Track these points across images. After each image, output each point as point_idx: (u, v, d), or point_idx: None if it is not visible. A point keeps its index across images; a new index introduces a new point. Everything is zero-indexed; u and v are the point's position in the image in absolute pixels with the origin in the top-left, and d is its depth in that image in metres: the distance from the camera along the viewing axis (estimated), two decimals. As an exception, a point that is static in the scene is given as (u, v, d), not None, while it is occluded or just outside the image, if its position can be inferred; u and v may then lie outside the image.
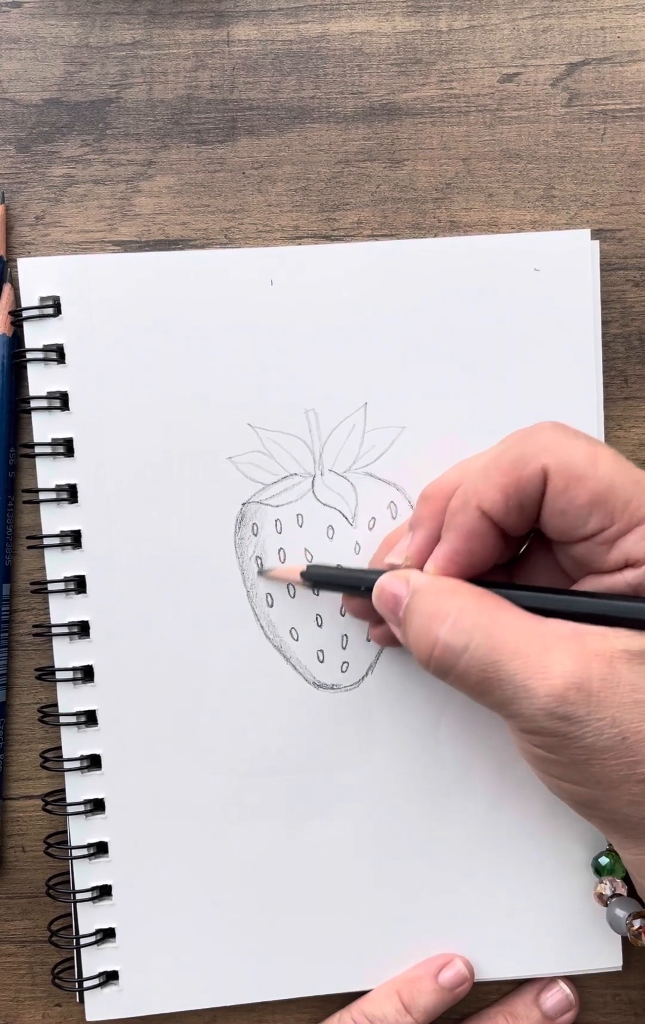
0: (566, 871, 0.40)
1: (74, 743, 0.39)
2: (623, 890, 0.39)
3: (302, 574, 0.38)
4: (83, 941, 0.39)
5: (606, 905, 0.39)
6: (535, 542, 0.36)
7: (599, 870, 0.39)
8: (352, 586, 0.37)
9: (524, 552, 0.36)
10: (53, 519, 0.39)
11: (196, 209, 0.40)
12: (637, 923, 0.37)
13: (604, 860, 0.39)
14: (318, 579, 0.38)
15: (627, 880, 0.39)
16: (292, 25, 0.40)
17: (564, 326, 0.39)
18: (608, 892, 0.39)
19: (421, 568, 0.35)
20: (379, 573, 0.35)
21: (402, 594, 0.34)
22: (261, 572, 0.39)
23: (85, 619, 0.39)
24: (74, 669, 0.39)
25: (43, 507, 0.39)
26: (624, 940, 0.40)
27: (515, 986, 0.41)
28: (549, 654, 0.30)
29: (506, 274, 0.39)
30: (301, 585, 0.38)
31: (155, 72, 0.40)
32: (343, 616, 0.39)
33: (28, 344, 0.39)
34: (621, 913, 0.38)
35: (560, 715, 0.30)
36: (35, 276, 0.39)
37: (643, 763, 0.30)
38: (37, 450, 0.39)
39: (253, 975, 0.40)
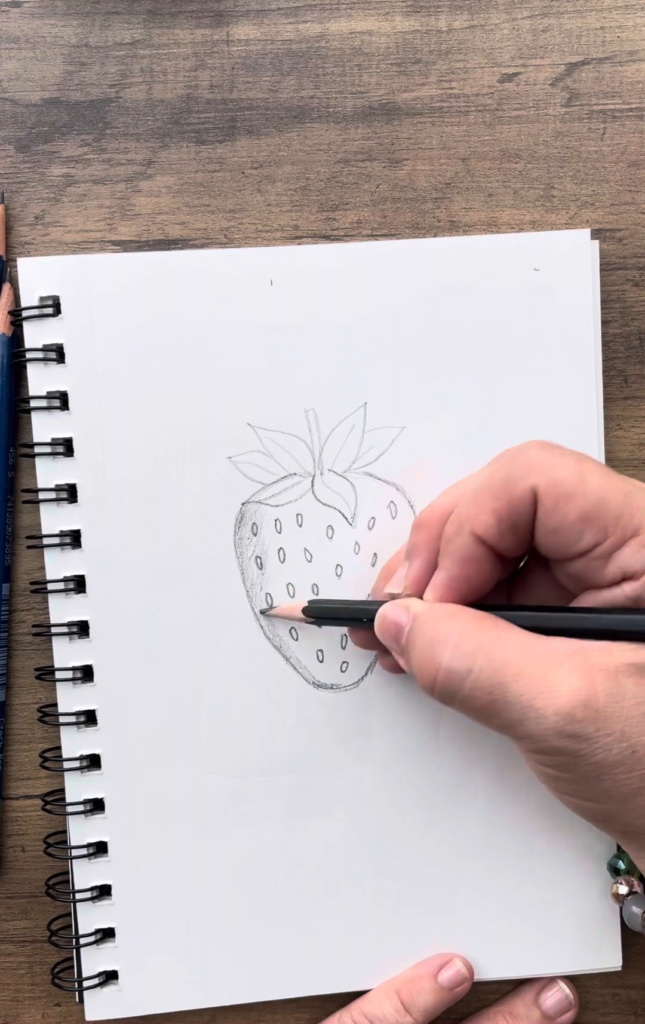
0: (566, 871, 0.40)
1: (74, 743, 0.39)
2: (639, 888, 0.39)
3: (304, 610, 0.38)
4: (83, 941, 0.39)
5: (622, 904, 0.39)
6: (532, 560, 0.35)
7: (617, 871, 0.39)
8: (354, 618, 0.37)
9: (522, 570, 0.36)
10: (53, 519, 0.39)
11: (196, 209, 0.40)
12: None
13: (621, 863, 0.39)
14: (320, 614, 0.38)
15: (643, 879, 0.39)
16: (292, 25, 0.40)
17: (564, 326, 0.39)
18: (624, 891, 0.39)
19: (421, 596, 0.35)
20: (380, 604, 0.35)
21: (403, 622, 0.34)
22: (264, 611, 0.39)
23: (85, 619, 0.39)
24: (74, 669, 0.39)
25: (43, 507, 0.39)
26: (624, 940, 0.40)
27: (514, 986, 0.41)
28: (554, 673, 0.30)
29: (506, 274, 0.39)
30: (304, 622, 0.38)
31: (155, 72, 0.40)
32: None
33: (28, 344, 0.39)
34: (637, 910, 0.38)
35: (569, 733, 0.30)
36: (35, 276, 0.38)
37: None
38: (37, 450, 0.39)
39: (252, 975, 0.40)
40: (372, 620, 0.35)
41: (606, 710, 0.30)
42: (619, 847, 0.40)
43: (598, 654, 0.31)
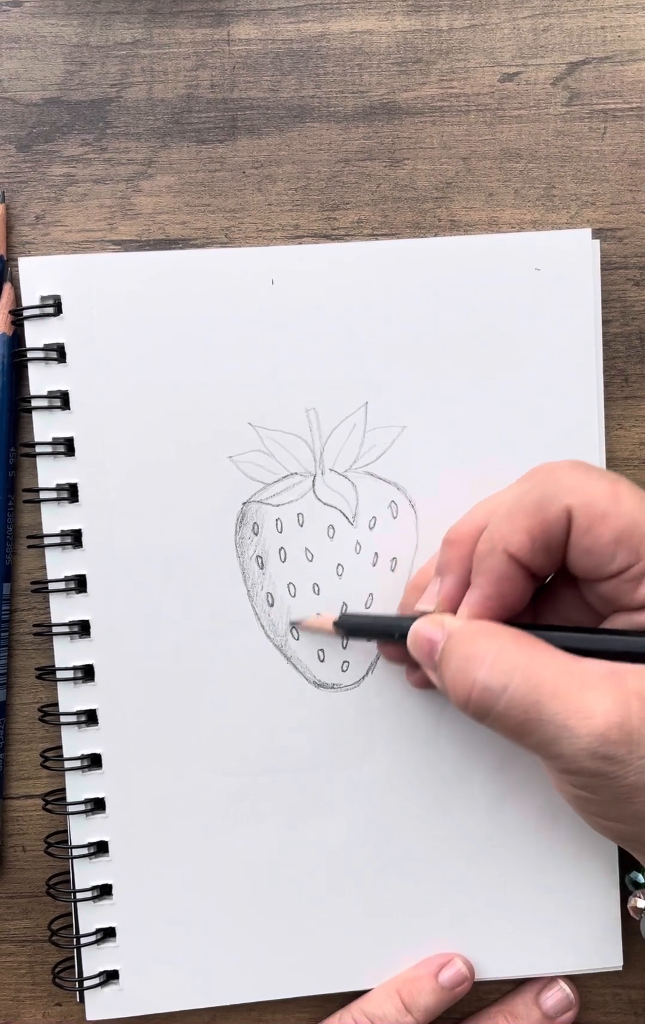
0: (567, 870, 0.40)
1: (74, 742, 0.39)
2: None
3: (335, 624, 0.38)
4: (83, 940, 0.39)
5: (640, 917, 0.39)
6: (560, 577, 0.35)
7: (637, 885, 0.40)
8: (386, 633, 0.37)
9: (550, 588, 0.36)
10: (53, 518, 0.39)
11: (196, 208, 0.40)
12: None
13: (640, 878, 0.40)
14: (351, 628, 0.38)
15: None
16: (292, 24, 0.40)
17: (564, 325, 0.39)
18: (643, 904, 0.39)
19: (453, 613, 0.35)
20: (412, 619, 0.35)
21: (437, 638, 0.34)
22: (294, 625, 0.39)
23: (85, 618, 0.39)
24: (74, 668, 0.39)
25: (44, 506, 0.39)
26: (625, 940, 0.40)
27: (515, 986, 0.41)
28: (589, 694, 0.30)
29: (506, 274, 0.39)
30: (334, 635, 0.38)
31: (155, 71, 0.40)
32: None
33: (29, 343, 0.39)
34: None
35: (602, 755, 0.30)
36: (36, 275, 0.38)
37: None
38: (38, 449, 0.39)
39: (253, 975, 0.40)
40: (404, 636, 0.35)
41: (639, 733, 0.30)
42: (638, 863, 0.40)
43: (634, 678, 0.31)
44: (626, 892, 0.40)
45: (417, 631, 0.35)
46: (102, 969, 0.39)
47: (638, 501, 0.32)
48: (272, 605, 0.39)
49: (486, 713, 0.32)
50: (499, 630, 0.33)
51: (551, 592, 0.36)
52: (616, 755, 0.30)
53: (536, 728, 0.31)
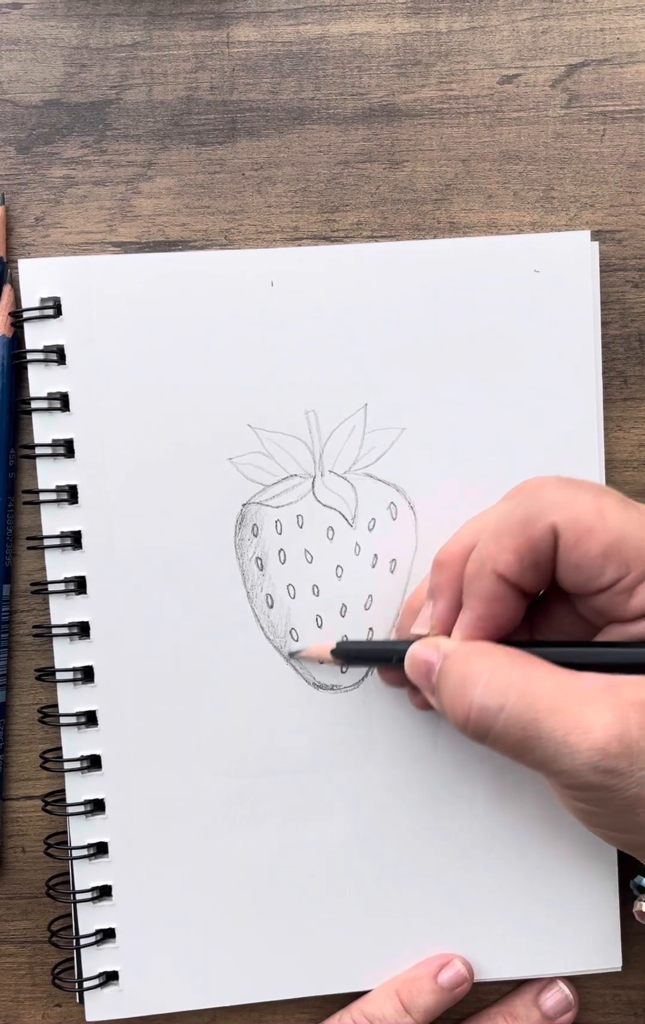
0: (566, 871, 0.40)
1: (74, 743, 0.39)
2: None
3: (332, 652, 0.38)
4: (83, 941, 0.39)
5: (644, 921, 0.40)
6: (553, 592, 0.35)
7: (642, 889, 0.40)
8: (384, 658, 0.37)
9: (544, 603, 0.36)
10: (53, 520, 0.39)
11: (196, 210, 0.40)
12: None
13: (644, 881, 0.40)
14: (349, 655, 0.38)
15: None
16: (292, 26, 0.40)
17: (564, 327, 0.39)
18: None
19: (448, 635, 0.35)
20: (408, 644, 0.35)
21: (433, 661, 0.34)
22: (292, 654, 0.39)
23: (85, 620, 0.39)
24: (74, 670, 0.39)
25: (43, 508, 0.39)
26: (624, 940, 0.40)
27: (514, 986, 0.41)
28: (587, 708, 0.30)
29: (506, 275, 0.39)
30: (332, 663, 0.39)
31: (155, 73, 0.40)
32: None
33: (28, 345, 0.39)
34: None
35: (603, 769, 0.30)
36: (36, 277, 0.39)
37: None
38: (37, 451, 0.39)
39: (253, 975, 0.40)
40: (402, 660, 0.35)
41: (639, 744, 0.30)
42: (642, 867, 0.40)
43: (630, 689, 0.31)
44: (629, 896, 0.40)
45: (413, 655, 0.35)
46: (102, 970, 0.40)
47: (623, 514, 0.32)
48: (272, 607, 0.39)
49: (485, 733, 0.32)
50: (493, 649, 0.33)
51: (545, 607, 0.36)
52: (617, 768, 0.30)
53: (536, 745, 0.31)
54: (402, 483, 0.39)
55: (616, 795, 0.30)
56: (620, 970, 0.40)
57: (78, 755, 0.39)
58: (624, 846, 0.34)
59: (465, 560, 0.34)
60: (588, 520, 0.32)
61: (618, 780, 0.30)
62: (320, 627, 0.39)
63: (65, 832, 0.40)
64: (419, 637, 0.35)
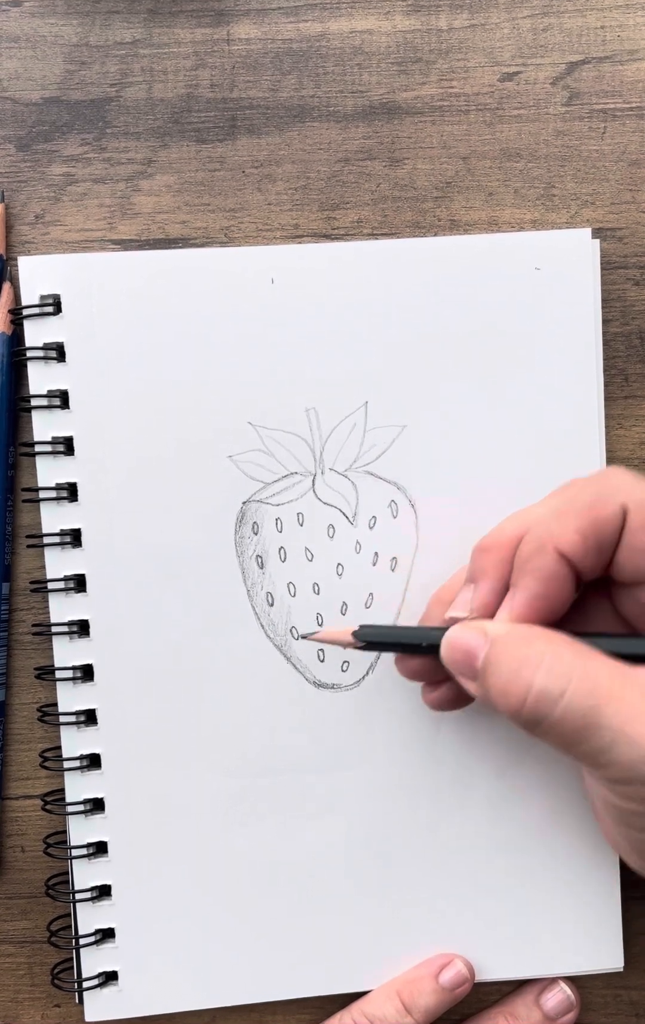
0: (567, 871, 0.40)
1: (74, 742, 0.39)
2: None
3: (354, 634, 0.35)
4: (82, 941, 0.39)
5: None
6: (590, 590, 0.35)
7: None
8: (411, 644, 0.35)
9: (581, 603, 0.35)
10: (53, 518, 0.39)
11: (196, 208, 0.40)
12: None
13: None
14: (372, 639, 0.35)
15: None
16: (292, 24, 0.40)
17: (564, 325, 0.39)
18: None
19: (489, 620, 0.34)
20: (441, 629, 0.34)
21: (478, 645, 0.32)
22: (304, 636, 0.38)
23: (85, 618, 0.39)
24: (74, 668, 0.39)
25: (43, 506, 0.39)
26: (626, 941, 0.40)
27: (516, 987, 0.41)
28: None
29: (506, 273, 0.39)
30: (351, 647, 0.36)
31: (155, 71, 0.40)
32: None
33: (28, 342, 0.39)
34: None
35: None
36: (35, 274, 0.38)
37: None
38: (37, 448, 0.39)
39: (253, 975, 0.40)
40: (433, 646, 0.34)
41: None
42: None
43: None
44: (630, 896, 0.40)
45: (453, 639, 0.33)
46: (101, 970, 0.39)
47: None
48: (272, 605, 0.39)
49: (541, 720, 0.31)
50: (551, 633, 0.32)
51: (582, 605, 0.35)
52: None
53: (592, 734, 0.30)
54: (403, 481, 0.39)
55: None
56: (622, 970, 0.40)
57: (77, 754, 0.39)
58: None
59: (513, 546, 0.33)
60: None
61: None
62: (320, 625, 0.39)
63: (64, 831, 0.40)
64: (455, 621, 0.34)
